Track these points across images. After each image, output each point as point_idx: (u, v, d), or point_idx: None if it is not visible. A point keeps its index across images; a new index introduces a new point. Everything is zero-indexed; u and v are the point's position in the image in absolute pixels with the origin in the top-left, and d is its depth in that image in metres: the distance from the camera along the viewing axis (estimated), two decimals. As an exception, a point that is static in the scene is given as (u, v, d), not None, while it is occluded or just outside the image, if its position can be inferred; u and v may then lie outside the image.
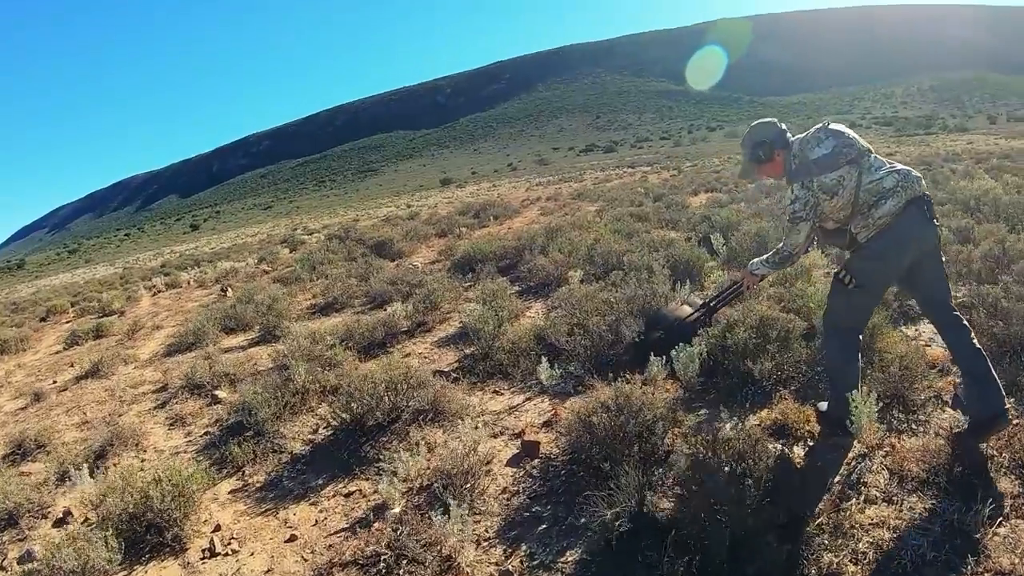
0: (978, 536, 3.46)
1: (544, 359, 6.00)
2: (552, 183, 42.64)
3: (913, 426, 4.62)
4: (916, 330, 6.50)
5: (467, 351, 7.32)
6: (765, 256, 4.88)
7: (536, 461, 4.77)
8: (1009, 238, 8.48)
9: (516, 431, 5.27)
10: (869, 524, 3.66)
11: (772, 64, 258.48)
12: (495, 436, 5.27)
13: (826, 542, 3.56)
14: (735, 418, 4.76)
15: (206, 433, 6.43)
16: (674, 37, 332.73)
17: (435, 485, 4.49)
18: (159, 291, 18.02)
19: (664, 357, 5.56)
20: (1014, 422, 4.39)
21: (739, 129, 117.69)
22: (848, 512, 3.75)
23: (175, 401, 7.54)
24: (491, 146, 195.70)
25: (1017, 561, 3.29)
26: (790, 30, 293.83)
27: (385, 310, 9.21)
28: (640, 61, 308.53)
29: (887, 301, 6.70)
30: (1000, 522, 3.57)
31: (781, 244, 4.65)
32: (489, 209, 22.17)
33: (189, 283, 18.38)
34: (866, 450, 4.33)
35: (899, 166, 4.37)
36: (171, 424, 6.91)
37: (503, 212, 21.78)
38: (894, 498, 3.85)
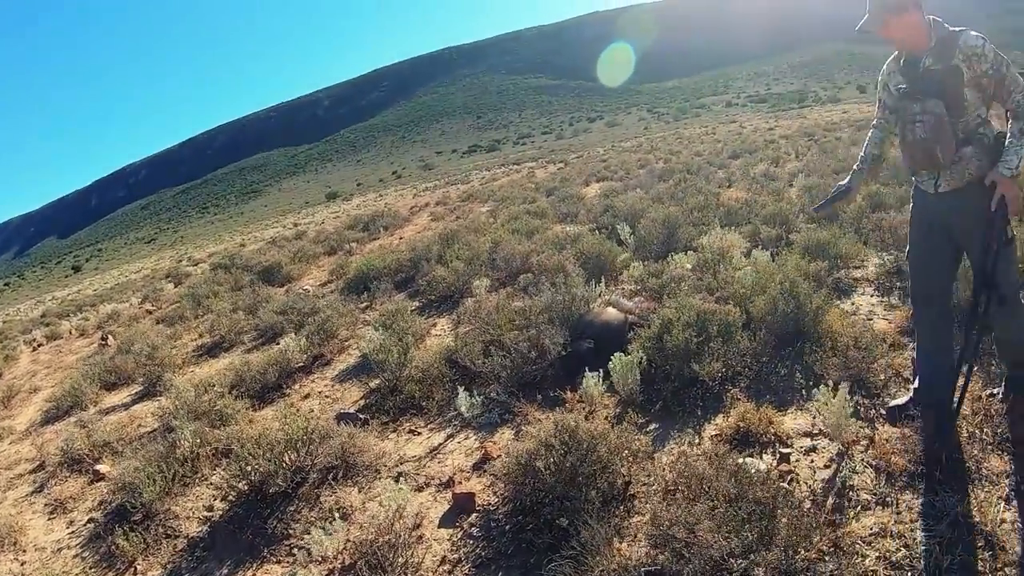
0: (987, 528, 3.19)
1: (461, 387, 5.36)
2: (439, 187, 42.31)
3: (882, 411, 4.27)
4: (852, 304, 6.25)
5: (372, 384, 6.54)
6: (1017, 132, 3.59)
7: (474, 516, 4.13)
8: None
9: (444, 480, 4.60)
10: (870, 536, 3.30)
11: (647, 52, 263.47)
12: (420, 489, 4.59)
13: (831, 569, 3.09)
14: (690, 432, 4.43)
15: (90, 520, 5.51)
16: (548, 33, 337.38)
17: (359, 564, 3.78)
18: (39, 345, 16.72)
19: (598, 369, 5.04)
20: (985, 393, 4.19)
21: (619, 118, 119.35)
22: (846, 526, 3.35)
23: (54, 482, 6.53)
24: (374, 155, 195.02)
25: (1033, 547, 3.08)
26: (661, 19, 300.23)
27: (277, 344, 8.38)
28: (517, 59, 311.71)
29: (820, 276, 6.44)
30: (1003, 507, 3.30)
31: (1017, 98, 3.57)
32: (378, 220, 21.46)
33: (71, 333, 17.09)
34: (843, 448, 3.96)
35: None
36: (51, 512, 5.96)
37: (393, 222, 21.13)
38: (888, 499, 3.53)
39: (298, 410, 6.21)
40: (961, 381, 3.79)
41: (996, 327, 4.04)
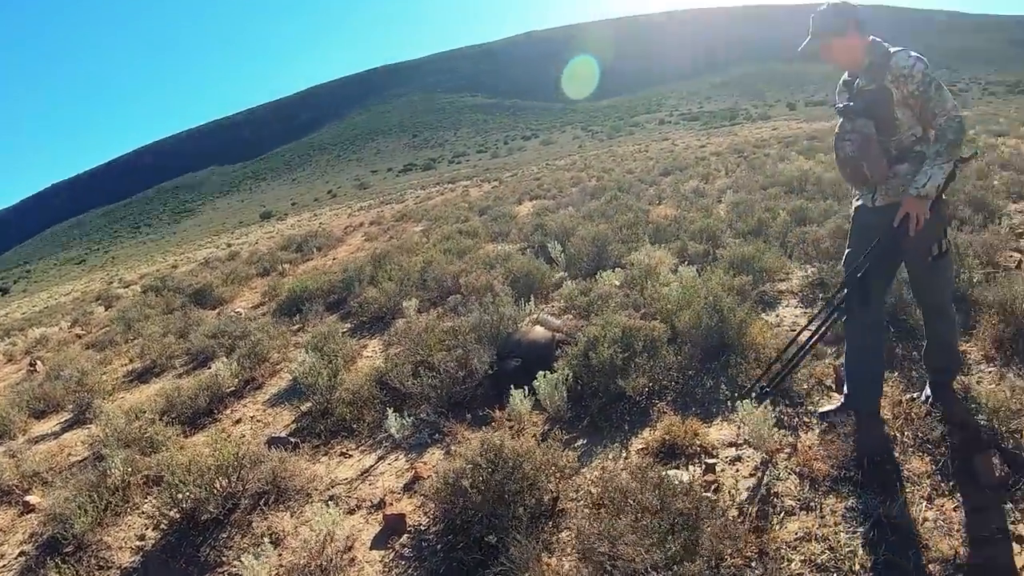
0: (910, 526, 3.37)
1: (390, 409, 5.40)
2: (374, 207, 42.10)
3: (805, 419, 4.48)
4: (777, 316, 6.49)
5: (304, 408, 6.54)
6: (935, 152, 3.73)
7: (405, 537, 4.19)
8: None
9: (375, 502, 4.64)
10: (796, 540, 3.45)
11: (583, 72, 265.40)
12: (351, 512, 4.63)
13: (758, 575, 3.23)
14: (617, 446, 4.54)
15: (21, 554, 5.40)
16: (483, 52, 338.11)
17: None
18: (-33, 372, 16.36)
19: (526, 387, 5.12)
20: (905, 397, 4.39)
21: (554, 136, 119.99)
22: (771, 532, 3.49)
23: (-17, 515, 6.47)
24: (309, 174, 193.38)
25: (956, 543, 3.24)
26: (596, 40, 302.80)
27: (209, 368, 8.33)
28: (452, 77, 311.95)
29: (745, 289, 6.65)
30: (926, 506, 3.49)
31: (942, 120, 3.70)
32: (311, 240, 21.32)
33: (-1, 358, 16.76)
34: (767, 456, 4.11)
35: None
36: (-16, 546, 5.89)
37: (326, 242, 21.03)
38: (812, 503, 3.69)
39: (229, 435, 6.18)
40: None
41: (926, 334, 4.33)
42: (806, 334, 4.65)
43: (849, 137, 3.97)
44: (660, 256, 8.29)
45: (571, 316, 7.22)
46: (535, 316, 6.80)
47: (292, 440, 5.77)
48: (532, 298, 7.54)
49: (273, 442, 5.67)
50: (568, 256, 9.57)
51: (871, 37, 3.92)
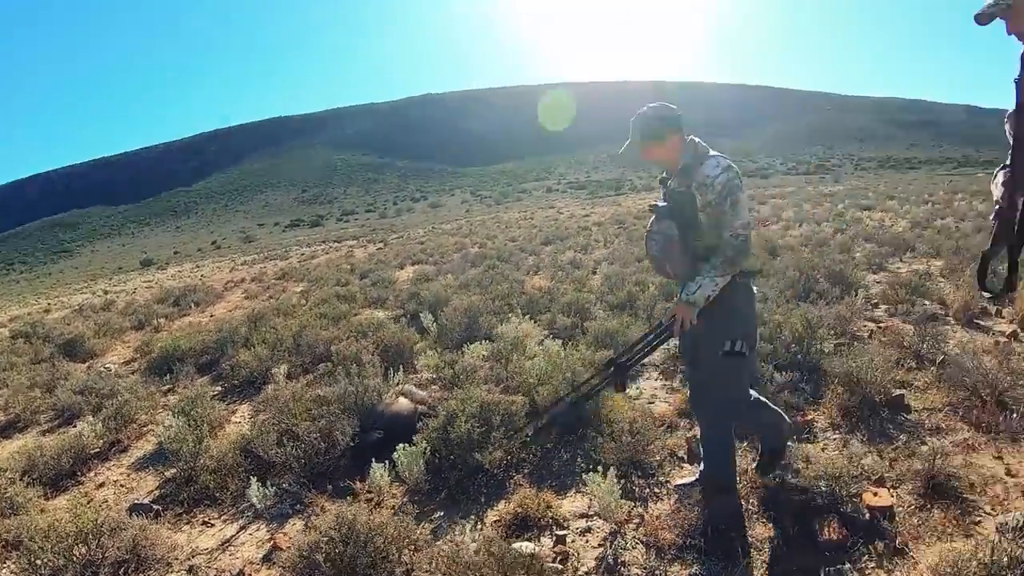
0: None
1: (254, 478, 5.47)
2: (257, 262, 41.52)
3: (656, 490, 4.78)
4: (638, 388, 6.86)
5: (168, 474, 6.51)
6: (711, 265, 4.01)
7: (263, 609, 4.28)
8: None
9: (235, 573, 4.74)
10: None
11: (475, 136, 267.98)
12: (212, 583, 4.71)
13: None
14: (472, 519, 4.70)
15: None
16: (380, 110, 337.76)
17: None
18: None
19: (387, 459, 5.32)
20: (752, 466, 4.78)
21: (443, 200, 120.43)
22: None
23: None
24: (195, 223, 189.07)
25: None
26: (491, 105, 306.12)
27: (75, 426, 8.25)
28: (346, 134, 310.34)
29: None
30: (767, 570, 3.79)
31: (727, 235, 3.95)
32: (190, 295, 20.94)
33: None
34: (616, 527, 4.37)
35: None
36: None
37: (205, 297, 20.66)
38: (656, 571, 3.92)
39: (91, 500, 6.14)
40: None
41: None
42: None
43: (655, 237, 4.21)
44: (528, 329, 8.57)
45: (437, 388, 7.45)
46: (400, 387, 7.00)
47: (155, 507, 5.74)
48: (401, 368, 7.74)
49: (135, 509, 5.65)
50: (440, 326, 9.75)
51: (690, 137, 4.13)
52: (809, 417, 5.75)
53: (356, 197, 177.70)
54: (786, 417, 4.68)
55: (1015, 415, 5.23)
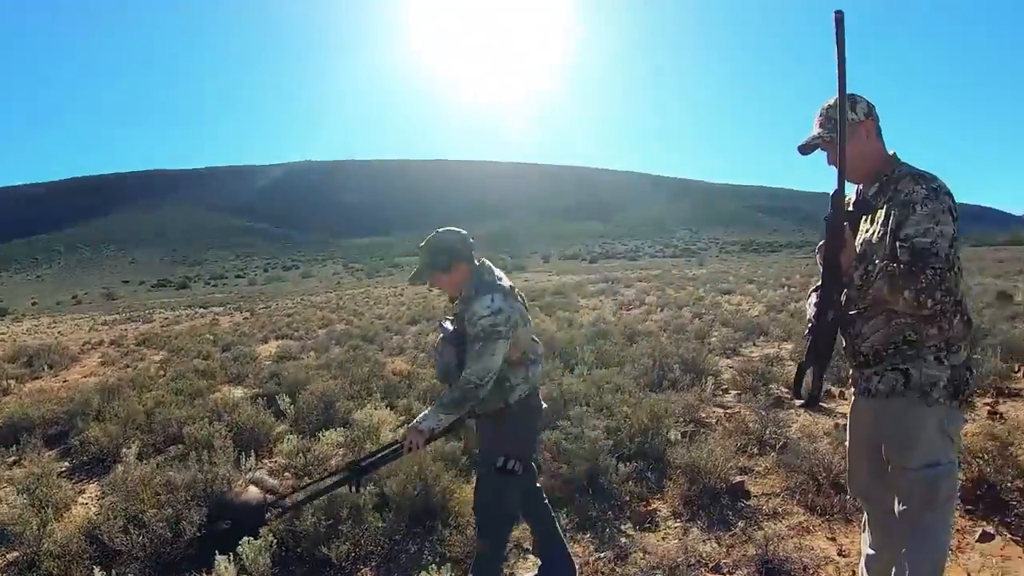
0: None
1: (97, 567, 5.23)
2: (119, 322, 40.34)
3: None
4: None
5: (10, 557, 6.13)
6: (441, 399, 4.14)
7: None
8: (565, 380, 9.18)
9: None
10: None
11: (350, 207, 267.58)
12: None
13: None
14: None
15: None
16: (260, 173, 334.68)
17: None
18: None
19: (233, 551, 5.17)
20: (592, 557, 5.01)
21: (314, 270, 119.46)
22: None
23: None
24: (57, 273, 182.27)
25: None
26: (368, 177, 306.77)
27: (-94, 501, 7.86)
28: (224, 195, 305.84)
29: (455, 455, 6.95)
30: None
31: (465, 373, 3.99)
32: (45, 355, 20.16)
33: None
34: None
35: None
36: None
37: (60, 359, 19.89)
38: None
39: None
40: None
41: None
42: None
43: (438, 359, 4.38)
44: (384, 416, 8.47)
45: (289, 475, 7.36)
46: (252, 475, 6.89)
47: None
48: (254, 453, 7.63)
49: None
50: (298, 409, 9.57)
51: (482, 263, 4.25)
52: (652, 507, 5.93)
53: (227, 261, 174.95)
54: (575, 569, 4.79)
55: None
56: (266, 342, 21.96)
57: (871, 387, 3.48)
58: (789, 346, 13.11)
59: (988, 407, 8.33)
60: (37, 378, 17.43)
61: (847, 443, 3.86)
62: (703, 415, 8.52)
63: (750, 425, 7.64)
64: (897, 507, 3.51)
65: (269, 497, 6.23)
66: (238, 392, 11.77)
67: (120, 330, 32.83)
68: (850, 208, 3.54)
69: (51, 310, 76.23)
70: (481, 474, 4.46)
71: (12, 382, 16.28)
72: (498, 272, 4.27)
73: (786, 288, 28.49)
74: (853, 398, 3.73)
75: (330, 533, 5.41)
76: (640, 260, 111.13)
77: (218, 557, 5.09)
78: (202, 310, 46.57)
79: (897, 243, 3.20)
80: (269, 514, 5.54)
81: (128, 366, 17.87)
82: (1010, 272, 30.87)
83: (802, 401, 3.64)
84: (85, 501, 7.60)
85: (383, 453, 4.64)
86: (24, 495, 6.94)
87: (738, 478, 6.27)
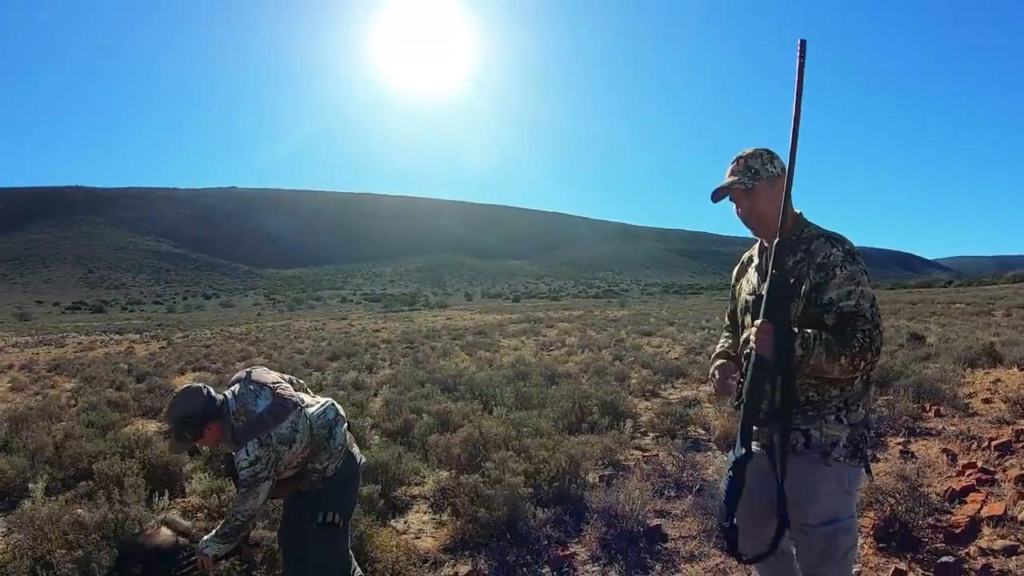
0: None
1: None
2: (30, 345, 39.23)
3: None
4: (405, 522, 6.88)
5: None
6: (215, 531, 4.32)
7: None
8: (487, 421, 9.19)
9: None
10: None
11: (274, 236, 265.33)
12: None
13: None
14: None
15: None
16: (182, 198, 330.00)
17: None
18: None
19: None
20: None
21: (235, 299, 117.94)
22: None
23: None
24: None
25: None
26: (295, 207, 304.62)
27: None
28: (144, 218, 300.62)
29: (372, 498, 6.87)
30: None
31: (233, 511, 4.23)
32: (-50, 377, 19.64)
33: None
34: None
35: (318, 398, 4.60)
36: None
37: (-35, 384, 19.33)
38: None
39: None
40: None
41: None
42: None
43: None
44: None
45: (203, 515, 7.18)
46: (164, 516, 6.72)
47: None
48: (167, 492, 7.44)
49: None
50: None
51: (236, 420, 4.21)
52: (570, 551, 5.95)
53: (145, 286, 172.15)
54: None
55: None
56: (183, 373, 21.55)
57: (770, 445, 3.42)
58: (707, 388, 13.26)
59: (900, 446, 8.59)
60: (-59, 401, 16.87)
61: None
62: (621, 458, 8.61)
63: (667, 468, 7.76)
64: (797, 564, 3.58)
65: (182, 540, 6.10)
66: (152, 426, 11.49)
67: (31, 353, 31.96)
68: (757, 264, 3.65)
69: (-44, 330, 73.90)
70: (306, 538, 4.47)
71: (-87, 405, 15.65)
72: (263, 390, 4.32)
73: (705, 330, 28.95)
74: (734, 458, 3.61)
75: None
76: (563, 300, 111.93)
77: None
78: (117, 336, 45.61)
79: (822, 308, 3.22)
80: (181, 557, 5.44)
81: (38, 393, 17.43)
82: (923, 314, 31.99)
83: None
84: (-11, 538, 7.24)
85: (185, 566, 4.71)
86: (-76, 531, 6.65)
87: (655, 521, 6.36)
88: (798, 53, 3.04)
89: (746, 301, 3.62)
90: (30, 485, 7.88)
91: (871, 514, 6.09)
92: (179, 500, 7.84)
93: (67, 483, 8.51)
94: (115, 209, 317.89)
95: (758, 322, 3.17)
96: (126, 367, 22.78)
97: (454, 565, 5.82)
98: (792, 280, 3.28)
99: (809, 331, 3.15)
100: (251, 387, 4.27)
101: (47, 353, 32.27)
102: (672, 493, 7.25)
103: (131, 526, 6.25)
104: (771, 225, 3.36)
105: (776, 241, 3.24)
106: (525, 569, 5.68)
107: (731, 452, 3.40)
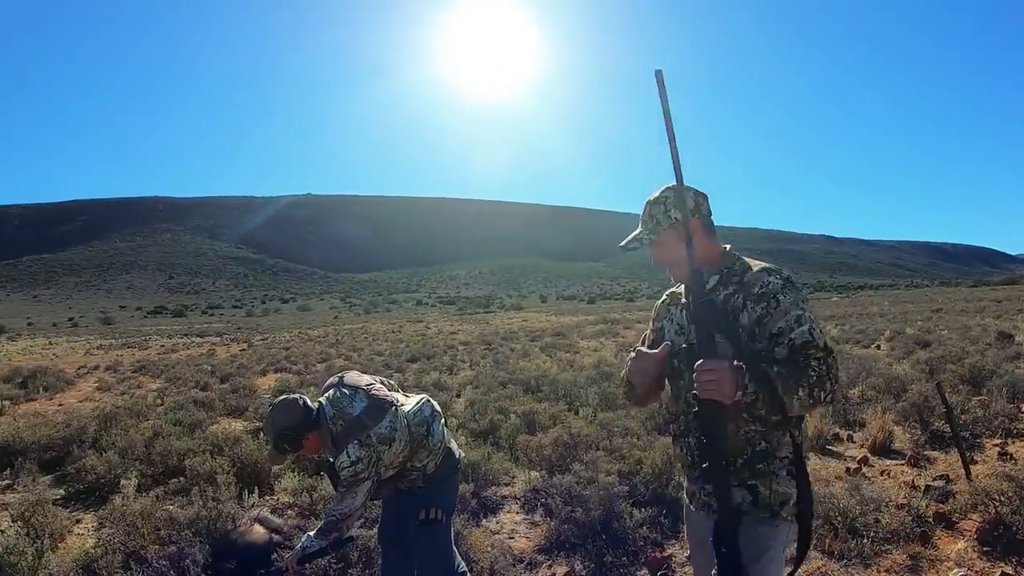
0: None
1: None
2: (114, 347, 40.23)
3: None
4: (497, 521, 6.74)
5: None
6: (315, 530, 4.20)
7: None
8: (575, 422, 9.08)
9: None
10: None
11: (349, 241, 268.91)
12: None
13: None
14: None
15: None
16: (257, 205, 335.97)
17: None
18: None
19: None
20: None
21: (312, 303, 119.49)
22: None
23: None
24: (55, 295, 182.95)
25: None
26: (369, 212, 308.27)
27: None
28: (221, 224, 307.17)
29: (464, 497, 6.82)
30: None
31: (331, 508, 4.13)
32: (40, 377, 20.04)
33: None
34: None
35: (412, 396, 4.54)
36: None
37: (56, 383, 19.79)
38: None
39: None
40: None
41: None
42: None
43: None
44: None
45: (294, 513, 7.15)
46: (256, 513, 6.72)
47: None
48: (257, 489, 7.46)
49: None
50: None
51: (336, 423, 4.18)
52: (668, 553, 5.79)
53: (224, 291, 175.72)
54: None
55: (866, 540, 5.43)
56: (264, 375, 21.77)
57: (712, 502, 2.95)
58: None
59: (997, 448, 8.31)
60: (32, 400, 17.34)
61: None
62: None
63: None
64: None
65: (276, 537, 6.08)
66: (237, 425, 11.58)
67: (116, 355, 32.74)
68: (685, 303, 3.14)
69: (47, 332, 76.18)
70: (408, 536, 4.43)
71: (6, 403, 16.10)
72: (358, 393, 4.28)
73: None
74: (686, 510, 3.33)
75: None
76: (638, 301, 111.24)
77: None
78: (198, 339, 46.57)
79: (771, 341, 2.82)
80: (275, 555, 5.42)
81: (124, 393, 17.74)
82: (1008, 312, 31.02)
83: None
84: (81, 532, 7.35)
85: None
86: (19, 523, 6.72)
87: (758, 525, 6.15)
88: (657, 84, 2.63)
89: (679, 347, 3.11)
90: (121, 481, 7.95)
91: (975, 516, 5.88)
92: (268, 498, 7.84)
93: (157, 480, 8.61)
94: (193, 217, 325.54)
95: (700, 363, 2.71)
96: (209, 368, 23.19)
97: (551, 566, 5.69)
98: (728, 314, 2.92)
99: (762, 365, 2.74)
100: (345, 391, 4.23)
101: (131, 355, 32.99)
102: (768, 493, 7.05)
103: (224, 523, 6.21)
104: (686, 268, 2.92)
105: (692, 274, 2.85)
106: (622, 570, 5.50)
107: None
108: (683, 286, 3.20)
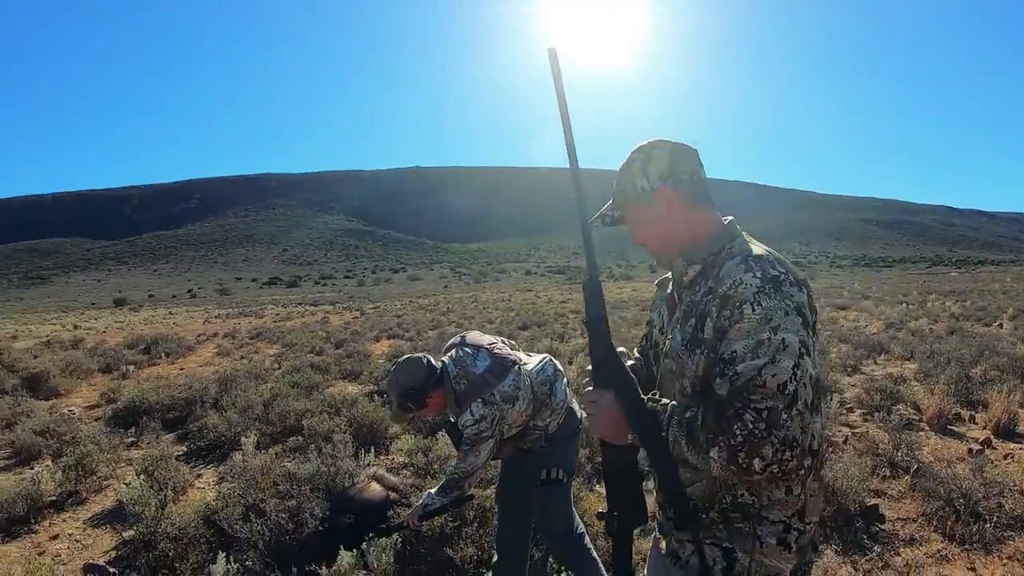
0: None
1: (222, 553, 5.10)
2: (232, 316, 41.34)
3: None
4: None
5: (126, 535, 6.17)
6: (436, 488, 4.25)
7: None
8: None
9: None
10: None
11: (457, 212, 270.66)
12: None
13: None
14: None
15: None
16: (367, 178, 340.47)
17: None
18: None
19: (357, 546, 5.09)
20: None
21: (422, 273, 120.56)
22: None
23: None
24: (173, 268, 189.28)
25: None
26: (477, 183, 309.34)
27: (32, 468, 8.06)
28: (332, 198, 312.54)
29: (579, 462, 6.76)
30: None
31: (454, 466, 4.12)
32: (162, 343, 20.72)
33: None
34: None
35: (534, 355, 4.49)
36: None
37: (176, 349, 20.48)
38: None
39: (43, 552, 5.94)
40: None
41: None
42: None
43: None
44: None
45: (409, 473, 7.24)
46: (373, 471, 6.81)
47: (111, 570, 5.47)
48: (373, 449, 7.57)
49: (90, 569, 5.43)
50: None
51: (461, 382, 4.15)
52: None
53: (336, 262, 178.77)
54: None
55: (988, 525, 5.25)
56: (377, 341, 22.05)
57: (681, 553, 2.22)
58: (913, 366, 12.56)
59: None
60: (154, 364, 17.96)
61: None
62: (830, 434, 8.17)
63: (880, 446, 7.31)
64: None
65: (392, 495, 6.17)
66: (353, 388, 11.81)
67: (233, 324, 33.58)
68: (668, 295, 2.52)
69: (166, 303, 78.81)
70: (529, 495, 4.37)
71: (131, 367, 16.88)
72: (480, 351, 4.25)
73: (904, 304, 27.64)
74: (651, 551, 2.59)
75: (455, 535, 5.29)
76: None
77: (342, 552, 5.00)
78: (312, 308, 47.46)
79: (722, 366, 1.95)
80: (391, 512, 5.49)
81: (243, 357, 18.26)
82: None
83: None
84: (202, 486, 7.63)
85: (385, 526, 4.86)
86: (143, 476, 7.03)
87: (872, 501, 5.96)
88: (550, 62, 2.12)
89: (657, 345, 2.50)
90: (242, 439, 8.21)
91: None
92: (384, 457, 7.96)
93: (275, 438, 8.88)
94: (305, 191, 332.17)
95: (586, 392, 2.26)
96: (324, 334, 23.58)
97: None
98: (695, 320, 2.14)
99: (665, 402, 2.08)
100: (467, 350, 4.20)
101: (248, 323, 33.84)
102: (886, 472, 6.81)
103: (342, 480, 6.36)
104: (665, 248, 2.42)
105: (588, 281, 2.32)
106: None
107: None
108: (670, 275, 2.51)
